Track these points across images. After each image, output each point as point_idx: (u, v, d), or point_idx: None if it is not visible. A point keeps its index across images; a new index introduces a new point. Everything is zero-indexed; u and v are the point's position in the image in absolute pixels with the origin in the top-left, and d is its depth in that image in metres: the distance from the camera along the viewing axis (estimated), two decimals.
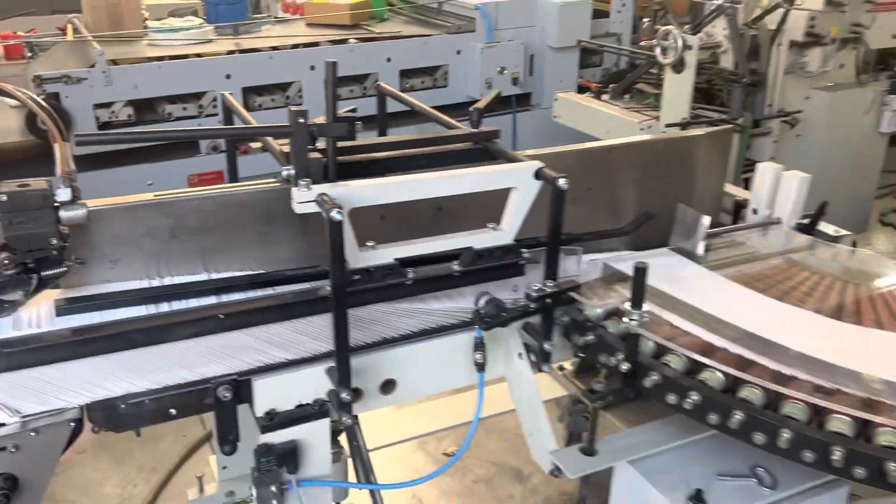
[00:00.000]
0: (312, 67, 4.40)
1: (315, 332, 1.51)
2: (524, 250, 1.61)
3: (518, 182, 1.52)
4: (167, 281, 1.46)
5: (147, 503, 2.73)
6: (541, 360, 1.66)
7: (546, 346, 1.63)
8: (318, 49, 4.48)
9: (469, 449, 3.02)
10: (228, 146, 2.05)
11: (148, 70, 4.03)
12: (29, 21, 5.38)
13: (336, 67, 1.44)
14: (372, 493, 1.60)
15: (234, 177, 1.96)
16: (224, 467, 2.23)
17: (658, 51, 3.42)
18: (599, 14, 5.21)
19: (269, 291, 1.50)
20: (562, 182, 1.47)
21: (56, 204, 1.23)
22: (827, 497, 1.62)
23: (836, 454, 1.32)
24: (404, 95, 2.01)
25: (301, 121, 1.37)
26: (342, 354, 1.42)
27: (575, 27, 4.81)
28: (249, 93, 4.31)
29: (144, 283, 1.44)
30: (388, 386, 1.59)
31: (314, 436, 1.52)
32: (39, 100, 1.38)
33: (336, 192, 1.36)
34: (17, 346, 1.26)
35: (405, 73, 4.68)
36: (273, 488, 1.48)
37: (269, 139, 1.63)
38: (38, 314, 1.34)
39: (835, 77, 4.06)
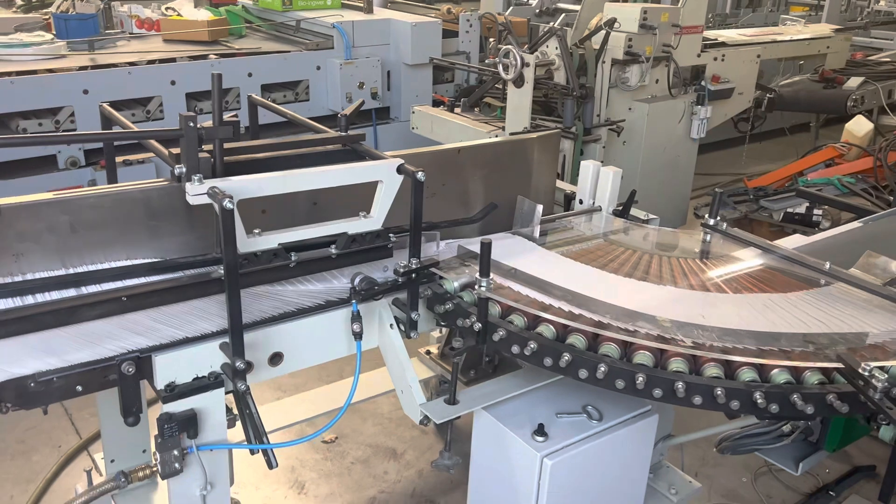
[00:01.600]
0: (173, 82, 4.47)
1: (208, 312, 1.71)
2: (391, 235, 1.89)
3: (383, 176, 1.80)
4: (71, 271, 1.60)
5: None
6: (409, 328, 1.94)
7: (413, 315, 1.92)
8: (178, 64, 4.56)
9: (347, 435, 3.26)
10: (108, 154, 2.17)
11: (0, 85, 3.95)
12: None
13: (221, 79, 1.66)
14: (264, 451, 1.80)
15: (113, 182, 2.10)
16: (112, 461, 2.34)
17: (500, 68, 3.84)
18: (449, 34, 5.63)
19: (166, 276, 1.68)
20: (420, 175, 1.77)
21: None
22: (641, 425, 2.02)
23: (640, 380, 1.70)
24: (276, 105, 2.23)
25: (191, 124, 1.58)
26: (235, 329, 1.63)
27: (427, 46, 5.19)
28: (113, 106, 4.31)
29: (49, 274, 1.57)
30: (275, 358, 1.81)
31: (211, 404, 1.71)
32: None
33: (225, 186, 1.57)
34: None
35: (267, 88, 4.85)
36: (175, 452, 1.66)
37: (155, 144, 1.82)
38: None
39: (652, 90, 4.68)
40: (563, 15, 5.98)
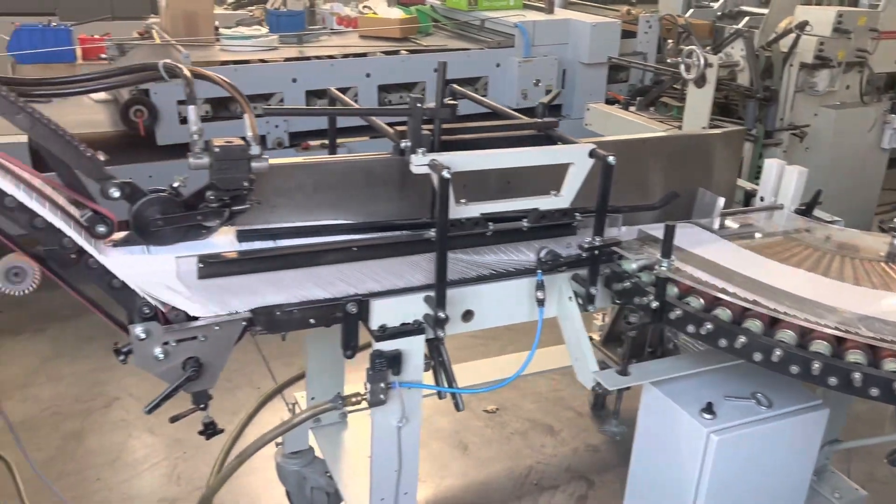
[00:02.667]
0: (368, 74, 4.90)
1: (418, 268, 1.97)
2: (577, 214, 2.06)
3: (576, 158, 1.98)
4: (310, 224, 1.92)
5: (232, 437, 3.18)
6: (586, 302, 2.10)
7: (592, 290, 2.08)
8: (373, 59, 4.98)
9: (507, 408, 3.47)
10: (331, 130, 2.48)
11: (226, 72, 4.53)
12: (102, 26, 5.90)
13: (446, 66, 1.91)
14: (453, 395, 2.04)
15: (333, 152, 2.43)
16: (313, 398, 2.69)
17: (682, 68, 3.87)
18: (627, 34, 5.69)
19: (386, 234, 1.96)
20: (611, 158, 1.93)
21: (250, 156, 1.70)
22: (810, 417, 2.06)
23: (815, 366, 1.75)
24: (476, 96, 2.47)
25: (419, 105, 1.84)
26: (441, 284, 1.88)
27: (605, 46, 5.29)
28: (310, 95, 4.81)
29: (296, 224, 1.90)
30: (467, 315, 2.04)
31: (412, 348, 1.97)
32: (227, 80, 1.85)
33: (443, 159, 1.82)
34: (215, 261, 1.73)
35: (449, 83, 5.16)
36: (382, 385, 1.93)
37: (378, 122, 2.11)
38: (225, 239, 1.80)
39: (841, 96, 4.49)
40: (748, 18, 5.83)
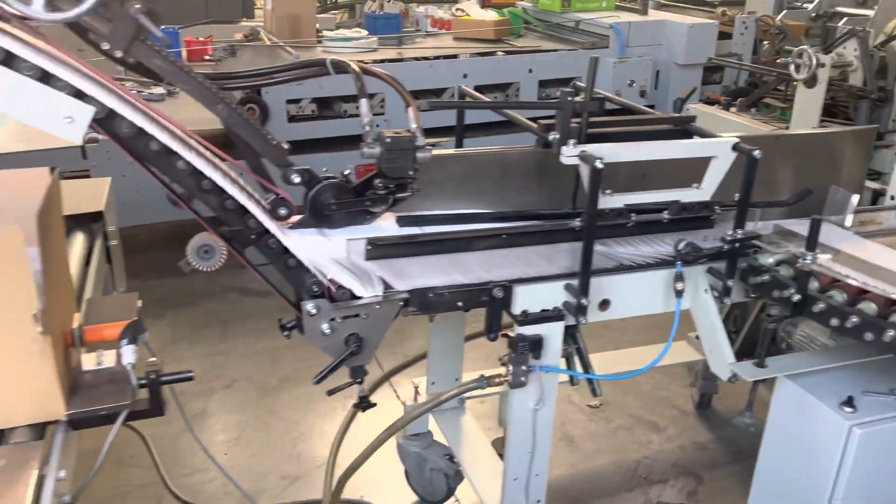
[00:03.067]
0: (465, 75, 5.00)
1: (559, 256, 2.05)
2: (717, 208, 2.11)
3: (719, 152, 2.02)
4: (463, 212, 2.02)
5: (346, 421, 3.31)
6: (723, 294, 2.14)
7: (729, 282, 2.12)
8: (469, 60, 5.09)
9: (610, 404, 3.51)
10: (459, 124, 2.57)
11: None
12: (202, 29, 6.19)
13: (597, 62, 1.98)
14: (590, 381, 2.11)
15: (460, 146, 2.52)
16: (433, 383, 2.80)
17: (792, 68, 3.84)
18: (722, 35, 5.64)
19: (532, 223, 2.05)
20: (756, 153, 1.97)
21: (416, 147, 1.81)
22: None
23: None
24: (618, 98, 2.52)
25: (569, 99, 1.92)
26: (585, 272, 1.95)
27: (701, 47, 5.27)
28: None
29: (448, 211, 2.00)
30: (604, 304, 2.10)
31: (552, 333, 2.05)
32: (392, 77, 1.96)
33: (593, 150, 1.89)
34: (381, 243, 1.84)
35: (542, 84, 5.23)
36: (523, 367, 2.02)
37: (517, 117, 2.19)
38: (385, 224, 1.92)
39: None
40: (846, 19, 5.71)
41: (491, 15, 5.71)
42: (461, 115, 2.59)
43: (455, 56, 5.10)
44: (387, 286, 1.89)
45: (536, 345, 2.02)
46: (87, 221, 2.54)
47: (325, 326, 1.86)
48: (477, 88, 5.13)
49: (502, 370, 2.09)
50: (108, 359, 1.68)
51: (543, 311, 2.03)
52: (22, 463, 1.42)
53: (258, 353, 3.88)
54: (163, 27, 1.56)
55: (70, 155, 4.21)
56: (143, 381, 1.63)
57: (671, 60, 5.38)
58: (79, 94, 1.54)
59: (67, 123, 1.54)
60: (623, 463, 3.14)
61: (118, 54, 1.56)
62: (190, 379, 1.72)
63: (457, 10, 6.03)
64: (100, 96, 1.54)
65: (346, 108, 4.81)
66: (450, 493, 2.81)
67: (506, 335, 2.39)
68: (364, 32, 5.31)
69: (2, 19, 1.49)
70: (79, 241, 2.40)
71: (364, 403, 2.02)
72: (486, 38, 5.50)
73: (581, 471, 3.10)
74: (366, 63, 1.94)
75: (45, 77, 1.50)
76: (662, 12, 6.00)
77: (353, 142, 4.96)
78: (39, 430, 1.53)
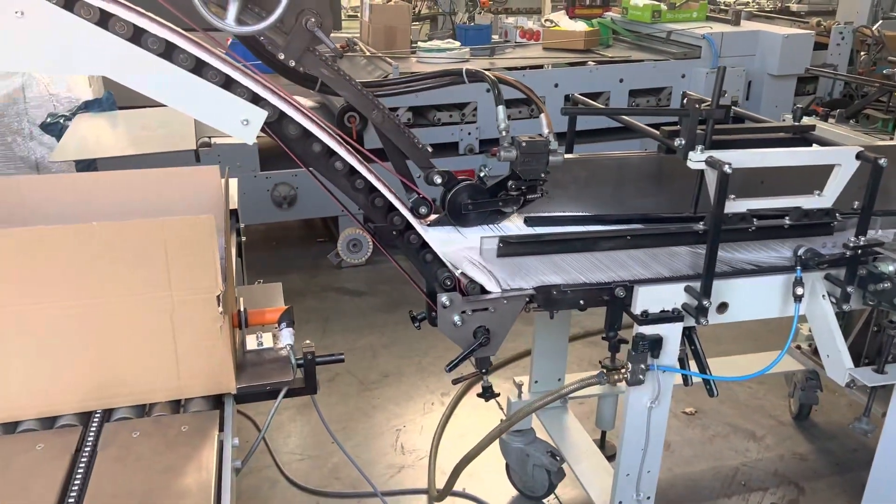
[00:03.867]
0: (556, 85, 5.09)
1: (681, 259, 2.11)
2: (838, 214, 2.14)
3: (842, 160, 2.05)
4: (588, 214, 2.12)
5: (445, 416, 3.43)
6: (841, 301, 2.16)
7: (849, 289, 2.14)
8: (561, 70, 5.18)
9: (705, 412, 3.52)
10: (570, 131, 2.66)
11: None
12: None
13: (724, 71, 2.05)
14: (706, 381, 2.17)
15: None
16: (536, 381, 2.89)
17: None
18: (816, 46, 5.56)
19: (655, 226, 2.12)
20: (882, 161, 1.99)
21: (549, 150, 1.92)
22: None
23: None
24: (738, 109, 2.57)
25: (696, 105, 1.99)
26: (709, 274, 2.01)
27: (796, 57, 5.21)
28: (566, 101, 5.08)
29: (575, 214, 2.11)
30: (722, 307, 2.16)
31: (671, 334, 2.11)
32: (525, 85, 2.08)
33: (720, 156, 1.95)
34: (513, 241, 1.95)
35: (632, 93, 5.27)
36: (642, 366, 2.09)
37: (639, 124, 2.27)
38: (513, 224, 2.03)
39: None
40: None
41: (580, 26, 5.78)
42: (573, 122, 2.68)
43: (539, 67, 5.20)
44: (514, 283, 2.00)
45: (655, 344, 2.09)
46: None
47: (456, 318, 1.98)
48: (566, 98, 5.24)
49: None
50: (266, 340, 1.83)
51: (663, 311, 2.10)
52: (203, 430, 1.57)
53: (357, 349, 4.05)
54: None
55: (183, 158, 4.49)
56: (300, 362, 1.77)
57: (764, 71, 5.34)
58: (254, 99, 1.70)
59: (243, 126, 1.71)
60: (721, 469, 3.15)
61: (291, 63, 1.72)
62: (341, 361, 1.86)
63: (546, 20, 6.13)
64: (273, 101, 1.71)
65: (440, 117, 4.97)
66: (551, 489, 2.89)
67: (605, 338, 2.47)
68: (456, 43, 5.47)
69: (191, 31, 1.67)
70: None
71: (488, 393, 2.12)
72: (576, 49, 5.58)
73: (679, 475, 3.13)
74: (498, 73, 2.05)
75: (227, 83, 1.67)
76: (754, 23, 5.95)
77: (445, 149, 5.16)
78: (212, 401, 1.69)
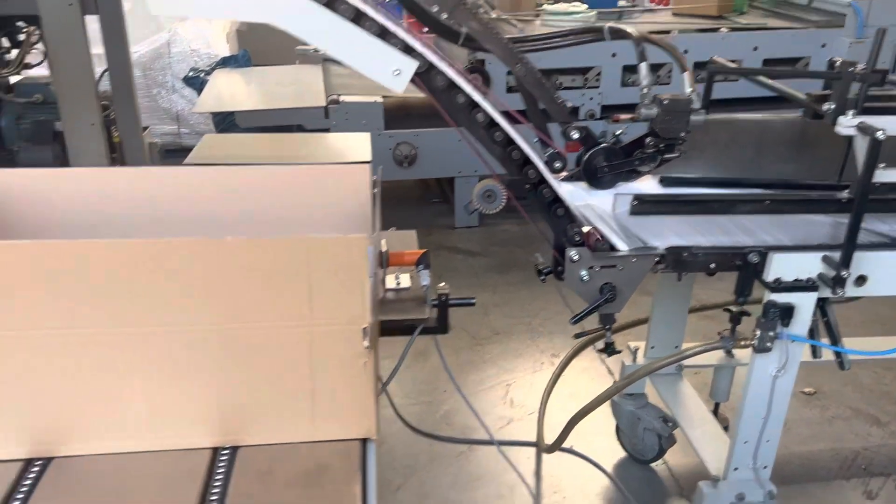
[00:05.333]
0: (686, 51, 4.93)
1: (820, 228, 2.06)
2: None
3: None
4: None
5: (554, 375, 3.49)
6: None
7: None
8: (691, 35, 5.01)
9: (826, 394, 3.41)
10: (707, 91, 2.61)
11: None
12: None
13: (884, 33, 1.96)
14: (837, 353, 2.12)
15: None
16: (652, 347, 2.89)
17: None
18: None
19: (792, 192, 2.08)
20: None
21: (691, 109, 1.91)
22: None
23: None
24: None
25: (850, 70, 1.92)
26: (850, 244, 1.95)
27: None
28: (625, 71, 4.98)
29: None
30: (861, 280, 2.09)
31: (803, 303, 2.07)
32: (669, 43, 2.07)
33: (873, 121, 1.88)
34: (647, 200, 1.97)
35: (766, 62, 5.04)
36: (770, 333, 2.07)
37: (786, 88, 2.21)
38: (647, 184, 2.04)
39: None
40: None
41: None
42: (709, 87, 2.62)
43: (669, 31, 5.05)
44: (644, 242, 2.02)
45: (787, 313, 2.06)
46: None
47: (583, 273, 2.02)
48: (696, 65, 5.07)
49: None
50: (403, 280, 1.94)
51: (797, 280, 2.06)
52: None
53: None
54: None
55: (313, 114, 4.69)
56: (434, 302, 1.88)
57: None
58: (406, 50, 1.79)
59: (395, 76, 1.80)
60: (840, 451, 3.06)
61: (443, 16, 1.79)
62: (472, 304, 1.95)
63: None
64: (424, 52, 1.79)
65: (562, 81, 4.94)
66: (660, 453, 2.90)
67: (727, 309, 2.44)
68: (583, 6, 5.38)
69: None
70: None
71: (610, 349, 2.16)
72: (708, 15, 5.37)
73: (795, 453, 3.06)
74: (642, 32, 2.05)
75: (382, 33, 1.77)
76: None
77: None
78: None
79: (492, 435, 2.63)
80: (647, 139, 1.96)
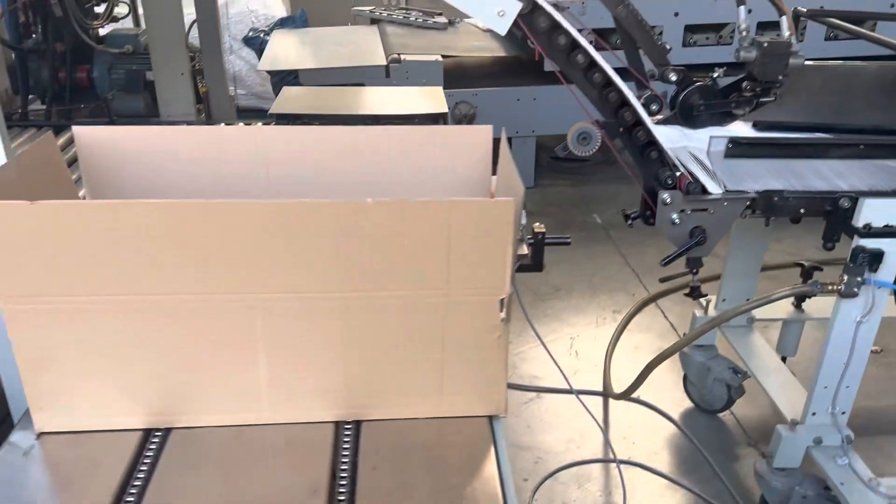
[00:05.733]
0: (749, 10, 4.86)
1: None
2: None
3: None
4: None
5: (618, 331, 3.54)
6: None
7: None
8: None
9: (892, 352, 3.42)
10: None
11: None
12: None
13: None
14: None
15: None
16: (724, 300, 2.92)
17: None
18: None
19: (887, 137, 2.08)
20: None
21: (790, 52, 1.92)
22: None
23: None
24: None
25: None
26: None
27: None
28: (686, 31, 4.94)
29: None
30: None
31: (892, 250, 2.08)
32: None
33: None
34: (743, 142, 2.00)
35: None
36: (858, 279, 2.09)
37: (875, 35, 2.20)
38: (740, 127, 2.06)
39: None
40: None
41: None
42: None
43: None
44: (736, 186, 2.05)
45: (875, 258, 2.07)
46: (434, 121, 2.94)
47: (674, 216, 2.06)
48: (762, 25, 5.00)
49: None
50: None
51: (887, 226, 2.07)
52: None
53: None
54: None
55: (374, 73, 4.74)
56: (531, 241, 1.93)
57: None
58: None
59: (499, 17, 1.84)
60: None
61: None
62: (567, 244, 2.00)
63: None
64: None
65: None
66: (729, 403, 2.95)
67: (800, 264, 2.46)
68: None
69: None
70: None
71: (696, 293, 2.20)
72: None
73: (862, 406, 3.04)
74: None
75: None
76: None
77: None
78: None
79: (569, 382, 2.69)
80: (745, 83, 1.97)
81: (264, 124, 2.90)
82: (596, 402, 3.15)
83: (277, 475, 1.30)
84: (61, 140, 2.61)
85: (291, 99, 3.06)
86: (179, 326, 1.31)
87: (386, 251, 1.27)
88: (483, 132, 1.79)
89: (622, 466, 2.76)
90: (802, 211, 2.09)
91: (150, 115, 3.06)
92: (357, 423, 1.40)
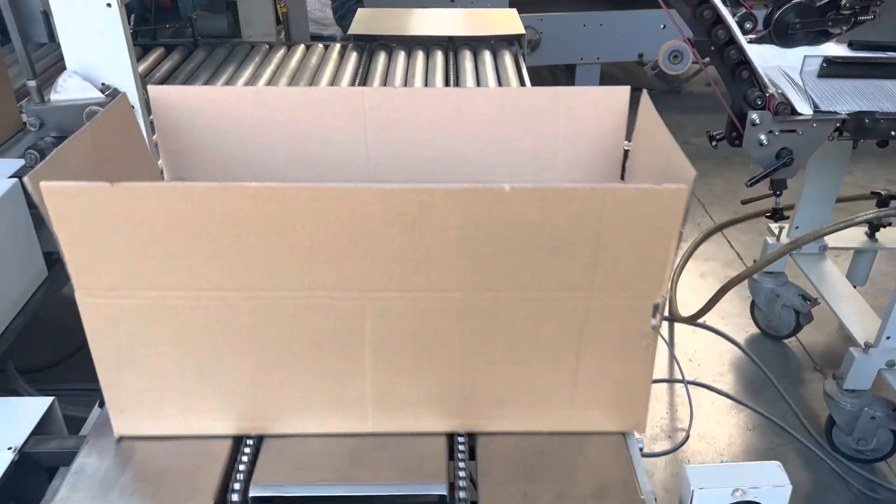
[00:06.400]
0: None
1: None
2: None
3: None
4: None
5: (684, 258, 3.57)
6: None
7: None
8: None
9: None
10: None
11: None
12: None
13: None
14: None
15: None
16: (797, 227, 2.92)
17: None
18: None
19: None
20: None
21: None
22: None
23: None
24: None
25: None
26: None
27: None
28: None
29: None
30: None
31: None
32: None
33: None
34: (838, 61, 1.98)
35: None
36: None
37: None
38: (833, 47, 2.04)
39: None
40: None
41: None
42: None
43: None
44: (827, 106, 2.04)
45: None
46: (510, 43, 2.94)
47: (762, 137, 2.06)
48: None
49: None
50: None
51: None
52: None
53: None
54: None
55: None
56: None
57: None
58: None
59: None
60: None
61: None
62: None
63: None
64: None
65: None
66: (796, 329, 2.99)
67: (876, 193, 2.44)
68: None
69: None
70: (508, 58, 2.80)
71: (778, 215, 2.22)
72: None
73: None
74: None
75: None
76: None
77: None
78: None
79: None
80: (844, 0, 1.94)
81: (341, 46, 2.93)
82: (663, 327, 3.21)
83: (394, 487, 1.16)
84: (144, 63, 2.68)
85: (368, 20, 3.08)
86: (278, 326, 1.15)
87: (520, 246, 1.07)
88: (619, 94, 1.46)
89: (689, 387, 2.84)
90: (894, 133, 2.07)
91: (232, 35, 3.13)
92: (470, 436, 1.24)
